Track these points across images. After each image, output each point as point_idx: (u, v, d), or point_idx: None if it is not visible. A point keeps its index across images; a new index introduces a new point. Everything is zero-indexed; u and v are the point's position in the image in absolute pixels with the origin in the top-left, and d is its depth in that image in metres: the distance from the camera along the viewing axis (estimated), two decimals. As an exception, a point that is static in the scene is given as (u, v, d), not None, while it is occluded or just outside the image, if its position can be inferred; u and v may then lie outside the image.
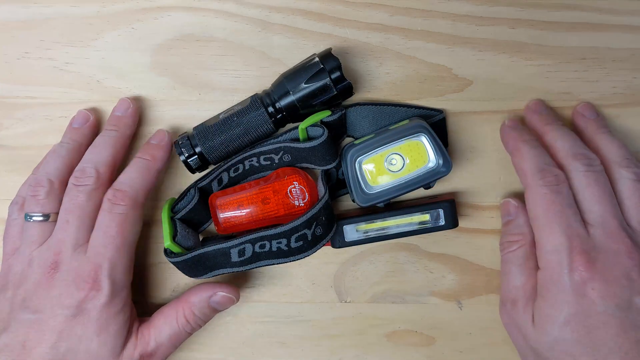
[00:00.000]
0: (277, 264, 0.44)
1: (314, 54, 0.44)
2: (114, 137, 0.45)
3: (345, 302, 0.48)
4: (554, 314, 0.39)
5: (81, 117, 0.47)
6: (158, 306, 0.48)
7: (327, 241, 0.45)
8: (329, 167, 0.45)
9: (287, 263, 0.45)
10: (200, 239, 0.47)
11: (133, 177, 0.44)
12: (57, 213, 0.43)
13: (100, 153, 0.44)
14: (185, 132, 0.46)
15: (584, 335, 0.38)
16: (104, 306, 0.41)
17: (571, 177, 0.41)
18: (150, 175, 0.44)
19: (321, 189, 0.44)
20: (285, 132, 0.46)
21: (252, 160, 0.46)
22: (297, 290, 0.48)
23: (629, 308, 0.38)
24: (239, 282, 0.48)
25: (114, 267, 0.41)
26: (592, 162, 0.41)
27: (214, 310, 0.45)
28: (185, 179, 0.48)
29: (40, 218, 0.43)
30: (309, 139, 0.44)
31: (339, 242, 0.46)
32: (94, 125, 0.47)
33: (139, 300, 0.48)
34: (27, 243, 0.43)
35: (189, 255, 0.43)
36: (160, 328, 0.43)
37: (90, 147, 0.45)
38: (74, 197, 0.43)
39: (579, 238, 0.39)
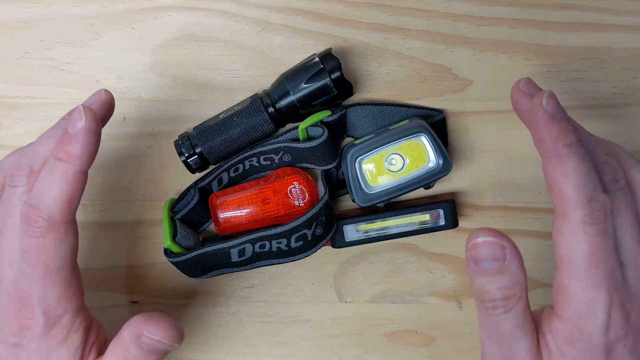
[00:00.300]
0: (277, 264, 0.45)
1: (314, 54, 0.44)
2: (63, 127, 0.37)
3: (345, 302, 0.48)
4: None
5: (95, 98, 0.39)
6: (158, 307, 0.48)
7: (327, 241, 0.45)
8: (329, 167, 0.45)
9: (287, 263, 0.45)
10: (200, 239, 0.47)
11: (46, 188, 0.34)
12: None
13: (39, 146, 0.37)
14: (185, 132, 0.46)
15: None
16: (42, 336, 0.35)
17: None
18: (69, 182, 0.34)
19: (321, 189, 0.44)
20: (285, 132, 0.46)
21: (252, 160, 0.46)
22: (297, 290, 0.48)
23: None
24: (239, 282, 0.48)
25: (44, 296, 0.35)
26: (617, 174, 0.33)
27: (152, 352, 0.36)
28: (185, 179, 0.48)
29: None
30: (309, 139, 0.44)
31: (339, 242, 0.46)
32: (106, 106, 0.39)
33: (139, 301, 0.48)
34: None
35: (189, 255, 0.43)
36: None
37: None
38: (6, 202, 0.36)
39: (618, 290, 0.31)
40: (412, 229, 0.45)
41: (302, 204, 0.44)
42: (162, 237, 0.44)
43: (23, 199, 0.36)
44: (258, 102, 0.44)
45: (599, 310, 0.31)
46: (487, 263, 0.31)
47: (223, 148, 0.45)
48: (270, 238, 0.43)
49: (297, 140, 0.45)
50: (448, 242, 0.47)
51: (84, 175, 0.35)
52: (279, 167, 0.46)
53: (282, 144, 0.45)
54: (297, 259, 0.44)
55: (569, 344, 0.32)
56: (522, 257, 0.32)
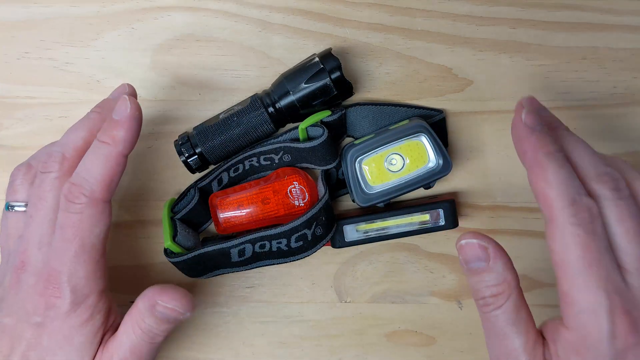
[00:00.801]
0: (277, 264, 0.45)
1: (314, 54, 0.44)
2: (92, 119, 0.40)
3: (345, 302, 0.48)
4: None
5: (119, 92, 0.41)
6: (158, 306, 0.48)
7: (327, 241, 0.45)
8: (329, 167, 0.45)
9: (287, 263, 0.45)
10: (200, 239, 0.47)
11: (89, 167, 0.37)
12: None
13: (70, 135, 0.40)
14: (185, 132, 0.46)
15: None
16: (66, 315, 0.36)
17: (598, 207, 0.33)
18: (111, 163, 0.37)
19: (321, 189, 0.44)
20: (285, 132, 0.46)
21: (252, 160, 0.46)
22: (297, 290, 0.48)
23: None
24: (239, 282, 0.48)
25: (74, 273, 0.36)
26: (619, 184, 0.33)
27: (166, 321, 0.38)
28: (185, 179, 0.48)
29: (23, 208, 0.39)
30: (309, 139, 0.44)
31: (339, 242, 0.46)
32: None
33: (139, 300, 0.48)
34: (5, 234, 0.40)
35: (189, 256, 0.43)
36: (120, 340, 0.38)
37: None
38: (37, 187, 0.38)
39: (619, 294, 0.31)
40: (412, 229, 0.45)
41: (302, 204, 0.44)
42: (162, 237, 0.44)
43: (55, 185, 0.38)
44: (258, 102, 0.44)
45: (600, 316, 0.31)
46: (473, 264, 0.34)
47: (223, 148, 0.45)
48: (270, 238, 0.43)
49: (297, 140, 0.45)
50: (448, 242, 0.47)
51: (125, 158, 0.38)
52: (279, 167, 0.46)
53: (282, 144, 0.45)
54: (297, 259, 0.44)
55: (577, 355, 0.32)
56: (508, 257, 0.34)
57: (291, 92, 0.43)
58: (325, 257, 0.48)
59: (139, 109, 0.38)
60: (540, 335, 0.34)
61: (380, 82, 0.47)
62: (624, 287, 0.32)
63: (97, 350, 0.37)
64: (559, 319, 0.34)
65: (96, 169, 0.37)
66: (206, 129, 0.45)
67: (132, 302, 0.47)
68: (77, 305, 0.37)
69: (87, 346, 0.37)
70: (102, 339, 0.38)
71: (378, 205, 0.44)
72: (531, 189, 0.34)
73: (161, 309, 0.37)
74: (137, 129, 0.38)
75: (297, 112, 0.44)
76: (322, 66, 0.43)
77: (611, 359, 0.31)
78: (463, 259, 0.35)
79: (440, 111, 0.47)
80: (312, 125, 0.44)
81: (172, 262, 0.43)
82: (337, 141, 0.47)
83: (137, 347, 0.38)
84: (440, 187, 0.48)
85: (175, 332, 0.48)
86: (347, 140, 0.47)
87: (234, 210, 0.44)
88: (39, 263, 0.37)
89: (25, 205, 0.39)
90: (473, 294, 0.35)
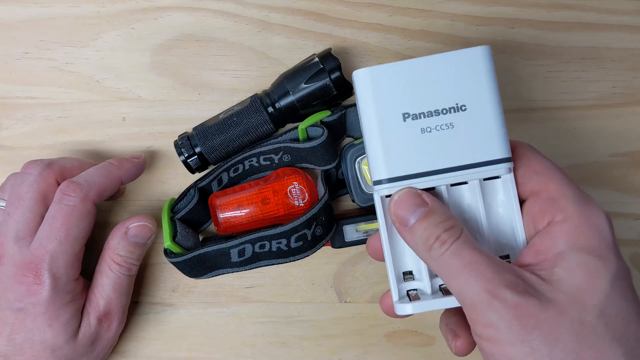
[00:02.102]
0: (277, 264, 0.44)
1: (314, 54, 0.44)
2: (91, 162, 0.45)
3: (345, 302, 0.48)
4: (605, 266, 0.31)
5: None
6: (158, 307, 0.48)
7: (327, 241, 0.45)
8: (328, 167, 0.45)
9: (287, 263, 0.45)
10: (200, 239, 0.47)
11: (91, 173, 0.43)
12: None
13: (64, 158, 0.44)
14: (185, 132, 0.46)
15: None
16: (48, 301, 0.40)
17: None
18: (109, 179, 0.43)
19: (321, 189, 0.44)
20: (285, 132, 0.46)
21: (252, 161, 0.46)
22: (297, 291, 0.48)
23: None
24: (239, 282, 0.48)
25: (55, 260, 0.40)
26: None
27: (138, 246, 0.43)
28: (185, 179, 0.48)
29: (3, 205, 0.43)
30: (309, 139, 0.44)
31: (339, 242, 0.46)
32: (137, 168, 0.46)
33: (140, 301, 0.48)
34: None
35: (189, 256, 0.43)
36: (101, 283, 0.42)
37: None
38: (16, 187, 0.42)
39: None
40: (411, 229, 0.45)
41: (302, 204, 0.44)
42: (162, 237, 0.44)
43: (33, 187, 0.41)
44: (258, 102, 0.44)
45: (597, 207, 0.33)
46: (414, 214, 0.33)
47: (223, 148, 0.45)
48: (270, 238, 0.43)
49: (297, 140, 0.45)
50: (448, 242, 0.47)
51: (120, 183, 0.44)
52: (279, 167, 0.46)
53: (282, 144, 0.45)
54: (297, 259, 0.44)
55: (584, 235, 0.31)
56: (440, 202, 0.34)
57: (291, 92, 0.43)
58: (325, 257, 0.48)
59: (144, 165, 0.46)
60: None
61: (380, 82, 0.47)
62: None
63: (80, 320, 0.42)
64: (536, 237, 0.33)
65: (97, 177, 0.42)
66: (206, 129, 0.45)
67: (133, 302, 0.47)
68: (57, 291, 0.40)
69: (73, 319, 0.41)
70: (82, 315, 0.42)
71: (378, 205, 0.44)
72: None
73: (133, 231, 0.43)
74: (139, 172, 0.46)
75: (297, 112, 0.44)
76: (322, 66, 0.43)
77: (611, 238, 0.32)
78: (400, 219, 0.33)
79: (440, 111, 0.47)
80: (312, 126, 0.44)
81: (172, 262, 0.43)
82: (337, 141, 0.47)
83: (118, 282, 0.43)
84: (440, 187, 0.48)
85: (175, 332, 0.48)
86: (347, 140, 0.47)
87: (233, 211, 0.44)
88: (17, 255, 0.40)
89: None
90: (423, 246, 0.32)
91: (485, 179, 0.35)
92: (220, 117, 0.45)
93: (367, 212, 0.46)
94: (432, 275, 0.36)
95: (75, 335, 0.41)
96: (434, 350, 0.47)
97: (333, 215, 0.45)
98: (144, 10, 0.48)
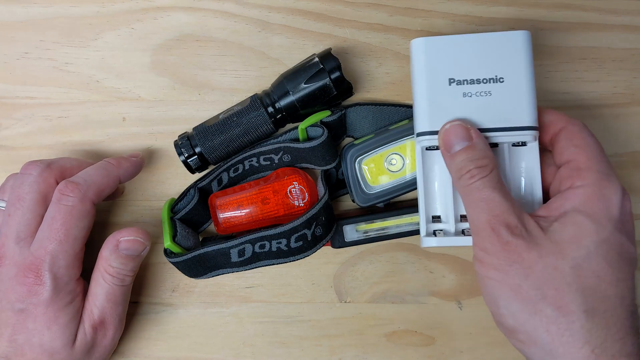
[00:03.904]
0: (277, 264, 0.44)
1: (314, 54, 0.44)
2: (89, 162, 0.45)
3: (345, 302, 0.48)
4: (596, 230, 0.35)
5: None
6: (158, 307, 0.48)
7: (327, 241, 0.45)
8: (328, 167, 0.45)
9: (287, 263, 0.45)
10: (200, 239, 0.47)
11: (90, 173, 0.42)
12: None
13: (63, 158, 0.44)
14: (185, 132, 0.46)
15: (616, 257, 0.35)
16: (49, 301, 0.40)
17: None
18: (108, 178, 0.43)
19: (321, 189, 0.44)
20: (285, 132, 0.46)
21: (252, 161, 0.46)
22: (297, 290, 0.48)
23: None
24: (239, 282, 0.48)
25: (56, 260, 0.40)
26: None
27: (130, 258, 0.42)
28: (185, 179, 0.48)
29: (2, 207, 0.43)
30: (309, 139, 0.44)
31: (339, 242, 0.46)
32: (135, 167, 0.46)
33: (140, 301, 0.48)
34: None
35: (189, 256, 0.43)
36: (95, 293, 0.42)
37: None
38: (16, 188, 0.42)
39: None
40: (411, 229, 0.45)
41: (302, 204, 0.44)
42: (162, 237, 0.44)
43: (34, 188, 0.41)
44: (258, 102, 0.44)
45: (615, 180, 0.37)
46: (457, 145, 0.38)
47: (223, 148, 0.45)
48: (270, 238, 0.43)
49: (297, 140, 0.45)
50: (448, 242, 0.47)
51: (118, 182, 0.44)
52: (279, 167, 0.46)
53: (282, 144, 0.45)
54: (297, 259, 0.44)
55: (590, 202, 0.36)
56: (486, 139, 0.38)
57: (291, 92, 0.43)
58: (325, 257, 0.48)
59: (143, 164, 0.46)
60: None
61: (380, 82, 0.47)
62: None
63: (78, 324, 0.41)
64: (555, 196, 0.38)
65: (96, 176, 0.42)
66: (206, 129, 0.45)
67: (133, 302, 0.48)
68: (58, 291, 0.40)
69: (72, 323, 0.41)
70: (81, 316, 0.42)
71: (378, 205, 0.44)
72: (546, 119, 0.40)
73: (124, 244, 0.42)
74: (137, 171, 0.46)
75: (297, 112, 0.44)
76: (321, 66, 0.43)
77: (619, 212, 0.36)
78: (446, 144, 0.38)
79: (440, 111, 0.47)
80: (312, 126, 0.44)
81: (172, 262, 0.43)
82: (337, 141, 0.47)
83: (111, 292, 0.42)
84: (440, 187, 0.48)
85: (175, 332, 0.48)
86: (347, 140, 0.47)
87: (233, 211, 0.44)
88: (17, 255, 0.40)
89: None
90: (456, 174, 0.38)
91: (513, 145, 0.41)
92: (220, 117, 0.45)
93: (367, 212, 0.46)
94: (457, 220, 0.41)
95: (72, 342, 0.41)
96: (434, 350, 0.47)
97: (333, 215, 0.45)
98: (144, 10, 0.48)
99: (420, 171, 0.41)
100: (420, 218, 0.41)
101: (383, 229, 0.46)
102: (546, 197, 0.40)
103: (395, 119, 0.46)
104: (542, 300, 0.34)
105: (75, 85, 0.48)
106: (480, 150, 0.38)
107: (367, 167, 0.44)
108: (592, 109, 0.47)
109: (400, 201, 0.47)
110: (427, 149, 0.41)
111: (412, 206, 0.45)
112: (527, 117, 0.39)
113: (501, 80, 0.39)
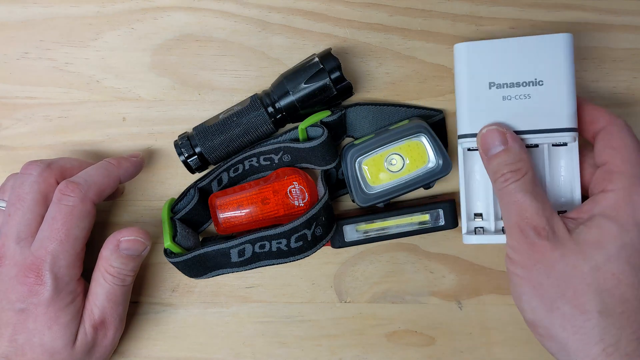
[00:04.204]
0: (277, 264, 0.44)
1: (314, 54, 0.44)
2: (89, 162, 0.45)
3: (345, 302, 0.48)
4: (620, 233, 0.36)
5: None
6: (158, 307, 0.48)
7: (327, 241, 0.45)
8: (328, 167, 0.45)
9: (287, 263, 0.45)
10: (200, 239, 0.47)
11: (90, 173, 0.43)
12: None
13: (64, 158, 0.45)
14: (185, 132, 0.46)
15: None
16: (50, 301, 0.40)
17: None
18: (108, 178, 0.43)
19: (321, 189, 0.44)
20: (285, 132, 0.46)
21: (251, 161, 0.46)
22: (297, 290, 0.48)
23: None
24: (239, 282, 0.48)
25: (57, 260, 0.40)
26: None
27: (131, 258, 0.43)
28: (185, 179, 0.48)
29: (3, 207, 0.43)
30: (309, 139, 0.44)
31: (339, 242, 0.46)
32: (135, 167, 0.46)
33: (139, 301, 0.48)
34: None
35: (189, 256, 0.43)
36: (95, 292, 0.42)
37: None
38: (17, 188, 0.42)
39: None
40: (411, 229, 0.45)
41: (302, 204, 0.44)
42: (162, 237, 0.44)
43: (34, 188, 0.41)
44: (258, 102, 0.44)
45: None
46: (494, 149, 0.40)
47: (223, 148, 0.45)
48: (270, 238, 0.43)
49: (297, 140, 0.45)
50: (448, 242, 0.47)
51: (119, 182, 0.44)
52: (279, 167, 0.46)
53: (281, 144, 0.45)
54: (297, 259, 0.44)
55: (617, 207, 0.37)
56: (522, 141, 0.40)
57: (291, 92, 0.43)
58: (325, 257, 0.48)
59: (143, 164, 0.46)
60: (556, 212, 0.38)
61: (380, 82, 0.47)
62: None
63: (79, 324, 0.41)
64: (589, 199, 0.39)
65: (96, 176, 0.42)
66: (206, 129, 0.45)
67: (133, 302, 0.48)
68: (59, 291, 0.40)
69: (72, 323, 0.41)
70: (82, 316, 0.42)
71: (378, 205, 0.44)
72: (588, 115, 0.41)
73: (125, 244, 0.42)
74: (138, 170, 0.46)
75: (297, 112, 0.44)
76: (321, 66, 0.43)
77: None
78: (483, 147, 0.40)
79: (439, 111, 0.47)
80: (312, 126, 0.44)
81: (172, 262, 0.43)
82: (337, 141, 0.47)
83: (112, 292, 0.42)
84: (440, 188, 0.48)
85: (175, 332, 0.48)
86: (347, 140, 0.47)
87: (233, 211, 0.44)
88: (18, 255, 0.40)
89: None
90: (492, 176, 0.40)
91: (553, 145, 0.42)
92: (220, 117, 0.45)
93: (367, 212, 0.46)
94: (497, 217, 0.43)
95: (73, 342, 0.41)
96: (434, 350, 0.47)
97: (333, 215, 0.45)
98: (144, 10, 0.48)
99: (462, 171, 0.43)
100: (462, 216, 0.43)
101: (383, 229, 0.46)
102: (586, 196, 0.41)
103: (395, 119, 0.46)
104: (560, 298, 0.36)
105: (75, 85, 0.48)
106: (514, 154, 0.39)
107: (367, 167, 0.44)
108: (592, 109, 0.47)
109: (400, 201, 0.47)
110: (468, 149, 0.43)
111: (412, 206, 0.45)
112: (567, 119, 0.40)
113: (540, 83, 0.41)
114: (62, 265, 0.40)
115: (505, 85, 0.41)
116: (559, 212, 0.41)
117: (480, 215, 0.44)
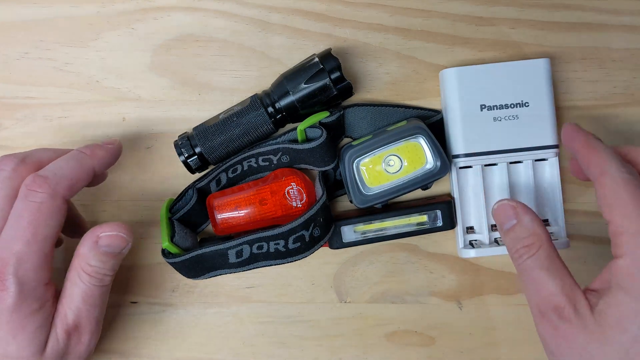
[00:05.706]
0: (275, 265, 0.44)
1: (314, 54, 0.44)
2: (65, 150, 0.42)
3: (345, 302, 0.48)
4: (638, 310, 0.33)
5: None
6: (158, 307, 0.48)
7: (325, 242, 0.45)
8: (327, 168, 0.45)
9: (287, 263, 0.45)
10: (198, 240, 0.47)
11: (60, 165, 0.39)
12: None
13: (39, 150, 0.41)
14: (185, 133, 0.46)
15: None
16: (14, 308, 0.36)
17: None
18: (81, 170, 0.39)
19: (319, 190, 0.44)
20: (284, 133, 0.46)
21: (250, 161, 0.46)
22: (297, 291, 0.48)
23: None
24: (239, 282, 0.48)
25: (22, 263, 0.36)
26: None
27: (111, 255, 0.39)
28: (185, 179, 0.48)
29: None
30: (308, 140, 0.44)
31: (337, 243, 0.46)
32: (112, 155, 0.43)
33: (139, 301, 0.48)
34: None
35: (187, 256, 0.43)
36: (69, 294, 0.38)
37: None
38: None
39: None
40: (409, 230, 0.45)
41: (300, 205, 0.44)
42: (160, 237, 0.44)
43: (6, 184, 0.38)
44: (258, 102, 0.44)
45: None
46: (507, 223, 0.39)
47: (223, 148, 0.45)
48: (268, 239, 0.43)
49: (295, 141, 0.45)
50: (448, 242, 0.47)
51: (93, 173, 0.40)
52: (277, 168, 0.46)
53: (280, 145, 0.45)
54: (295, 260, 0.44)
55: (629, 277, 0.34)
56: (535, 214, 0.38)
57: (291, 92, 0.43)
58: (325, 257, 0.48)
59: (120, 150, 0.43)
60: (578, 285, 0.36)
61: (380, 82, 0.47)
62: None
63: (49, 331, 0.38)
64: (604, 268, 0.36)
65: (67, 169, 0.39)
66: (206, 129, 0.45)
67: (133, 302, 0.48)
68: (24, 297, 0.36)
69: (41, 330, 0.37)
70: (52, 322, 0.38)
71: (376, 206, 0.44)
72: (582, 164, 0.38)
73: (105, 240, 0.38)
74: (113, 160, 0.42)
75: (297, 112, 0.44)
76: (321, 66, 0.43)
77: None
78: (498, 222, 0.39)
79: (438, 112, 0.47)
80: (311, 127, 0.44)
81: (170, 263, 0.43)
82: (335, 142, 0.47)
83: (88, 293, 0.39)
84: (438, 188, 0.48)
85: (175, 332, 0.48)
86: (345, 140, 0.47)
87: (231, 211, 0.44)
88: None
89: None
90: (509, 252, 0.39)
91: (536, 160, 0.45)
92: (220, 117, 0.45)
93: (365, 213, 0.46)
94: (490, 229, 0.45)
95: (42, 350, 0.37)
96: (434, 350, 0.47)
97: (331, 216, 0.45)
98: (144, 10, 0.48)
99: (456, 188, 0.45)
100: (458, 230, 0.45)
101: (381, 230, 0.46)
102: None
103: (394, 119, 0.46)
104: None
105: (75, 85, 0.48)
106: (525, 228, 0.38)
107: (365, 168, 0.43)
108: (592, 109, 0.47)
109: (398, 202, 0.47)
110: (460, 167, 0.45)
111: (409, 207, 0.45)
112: (549, 136, 0.44)
113: (526, 104, 0.44)
114: (28, 269, 0.36)
115: (495, 107, 0.44)
116: (543, 222, 0.40)
117: (472, 228, 0.46)
